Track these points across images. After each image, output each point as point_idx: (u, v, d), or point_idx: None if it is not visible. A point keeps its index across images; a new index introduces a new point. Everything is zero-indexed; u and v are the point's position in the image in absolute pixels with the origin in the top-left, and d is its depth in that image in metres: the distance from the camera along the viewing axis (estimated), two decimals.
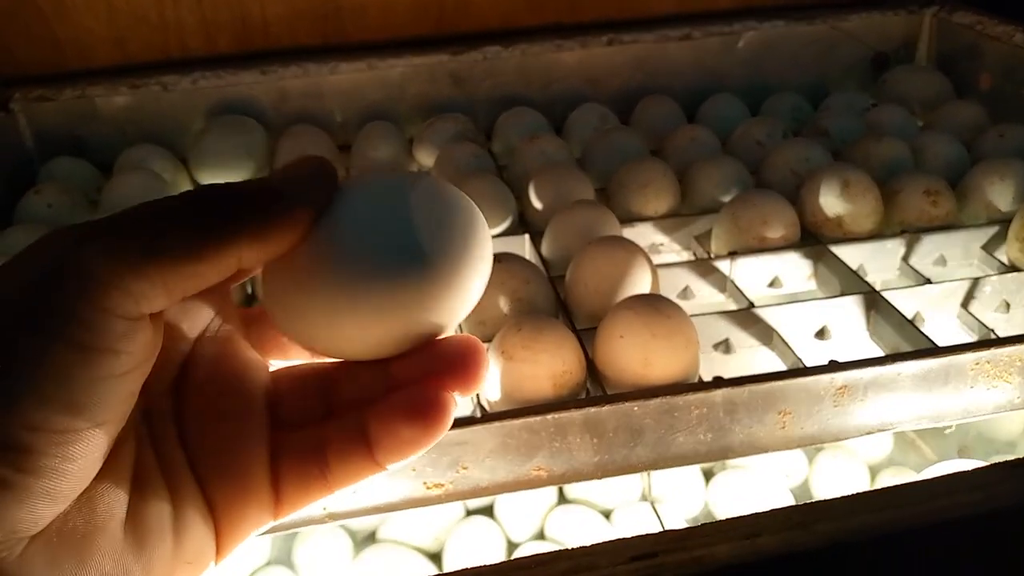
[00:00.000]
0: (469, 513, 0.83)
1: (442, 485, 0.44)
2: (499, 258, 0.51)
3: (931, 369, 0.46)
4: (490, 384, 0.46)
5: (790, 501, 0.78)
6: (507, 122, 0.75)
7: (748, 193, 0.60)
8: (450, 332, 0.25)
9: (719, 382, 0.45)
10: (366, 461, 0.24)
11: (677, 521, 0.77)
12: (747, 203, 0.59)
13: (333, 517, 0.44)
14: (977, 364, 0.47)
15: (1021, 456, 0.38)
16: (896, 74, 0.82)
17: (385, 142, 0.73)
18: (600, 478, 0.46)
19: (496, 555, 0.79)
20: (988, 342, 0.47)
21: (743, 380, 0.45)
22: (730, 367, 0.53)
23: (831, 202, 0.59)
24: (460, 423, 0.43)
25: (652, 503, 0.82)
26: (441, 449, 0.43)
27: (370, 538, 0.82)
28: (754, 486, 0.80)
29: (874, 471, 0.84)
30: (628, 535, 0.35)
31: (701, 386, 0.45)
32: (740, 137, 0.71)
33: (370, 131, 0.74)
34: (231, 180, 0.71)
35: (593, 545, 0.26)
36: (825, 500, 0.34)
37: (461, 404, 0.50)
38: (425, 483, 0.44)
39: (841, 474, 0.81)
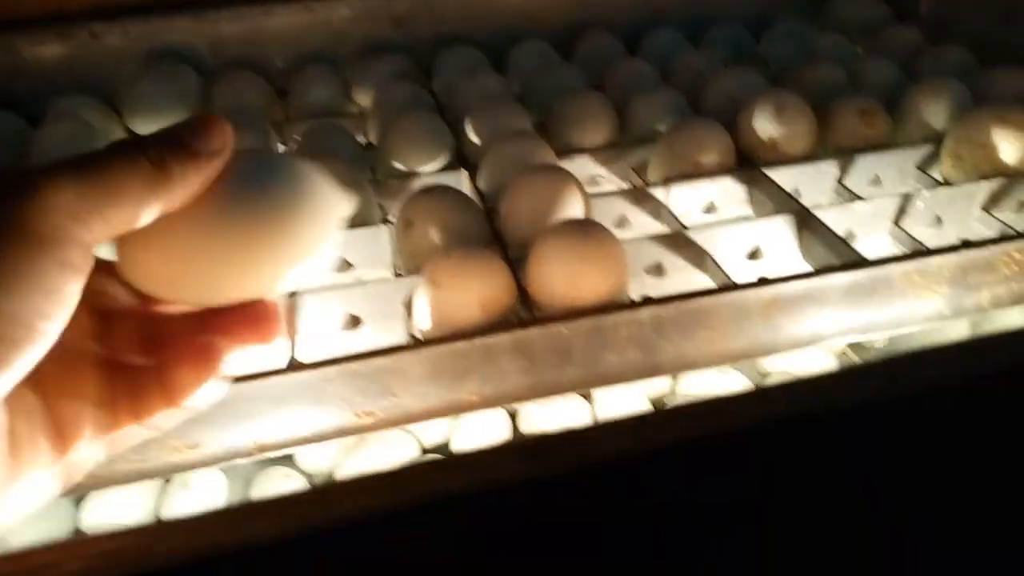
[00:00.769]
0: (425, 452, 0.83)
1: (373, 413, 0.44)
2: (429, 190, 0.51)
3: (859, 282, 0.47)
4: (420, 313, 0.46)
5: None
6: (446, 60, 0.74)
7: (683, 121, 0.60)
8: (276, 291, 0.27)
9: (647, 301, 0.45)
10: (159, 398, 0.26)
11: None
12: (682, 131, 0.59)
13: (262, 449, 0.44)
14: (905, 275, 0.47)
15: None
16: (837, 2, 0.81)
17: (321, 85, 0.72)
18: (532, 400, 0.46)
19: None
20: (916, 253, 0.48)
21: (671, 299, 0.45)
22: (663, 290, 0.53)
23: (765, 125, 0.59)
24: (389, 351, 0.43)
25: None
26: (370, 377, 0.43)
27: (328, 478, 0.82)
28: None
29: None
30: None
31: (629, 305, 0.45)
32: (680, 69, 0.71)
33: (306, 75, 0.72)
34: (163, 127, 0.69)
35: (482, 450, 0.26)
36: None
37: (392, 333, 0.50)
38: (355, 412, 0.44)
39: None
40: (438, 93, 0.72)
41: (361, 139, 0.68)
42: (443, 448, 0.79)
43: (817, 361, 0.80)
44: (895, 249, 0.55)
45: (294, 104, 0.72)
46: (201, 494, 0.70)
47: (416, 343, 0.43)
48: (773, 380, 0.84)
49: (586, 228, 0.46)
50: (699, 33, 0.80)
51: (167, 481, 0.76)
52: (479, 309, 0.45)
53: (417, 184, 0.56)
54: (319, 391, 0.43)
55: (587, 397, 0.72)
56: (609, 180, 0.64)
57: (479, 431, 0.75)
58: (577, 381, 0.46)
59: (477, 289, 0.44)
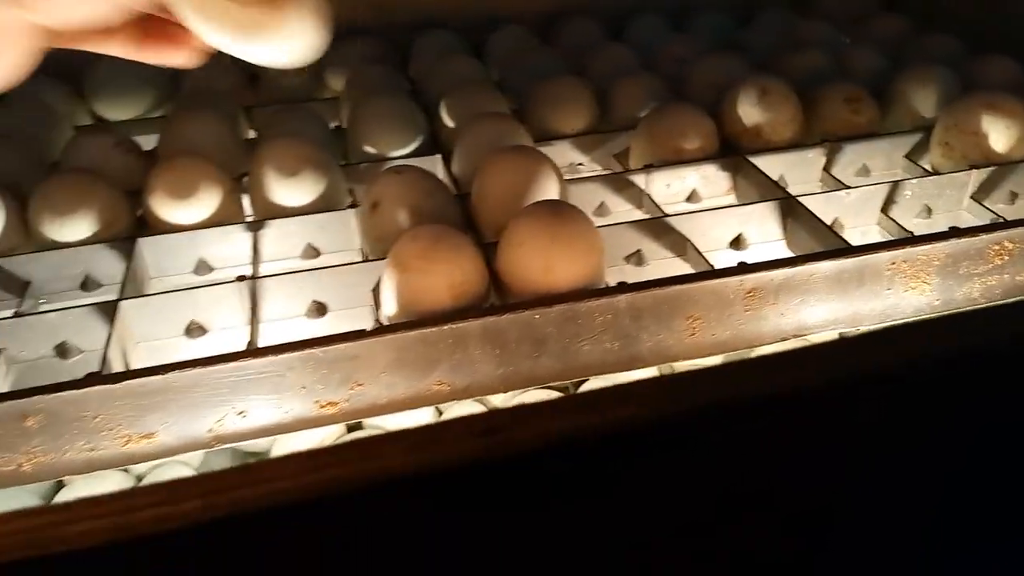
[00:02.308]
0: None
1: (336, 403, 0.42)
2: (398, 170, 0.49)
3: (845, 270, 0.45)
4: (386, 298, 0.43)
5: None
6: (423, 45, 0.72)
7: (664, 105, 0.58)
8: None
9: (623, 287, 0.43)
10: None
11: None
12: (663, 115, 0.57)
13: (220, 440, 0.42)
14: (893, 264, 0.46)
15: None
16: None
17: (293, 69, 0.69)
18: (505, 391, 0.44)
19: None
20: (903, 240, 0.46)
21: (647, 284, 0.43)
22: (643, 279, 0.51)
23: (749, 111, 0.57)
24: (351, 336, 0.40)
25: None
26: (332, 365, 0.41)
27: None
28: None
29: None
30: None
31: (604, 291, 0.43)
32: (663, 56, 0.69)
33: None
34: (129, 112, 0.66)
35: (441, 423, 0.24)
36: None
37: (359, 321, 0.47)
38: (318, 402, 0.42)
39: None
40: (414, 78, 0.70)
41: (334, 124, 0.65)
42: None
43: None
44: (883, 239, 0.53)
45: (265, 88, 0.70)
46: None
47: (380, 328, 0.41)
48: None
49: (560, 210, 0.44)
50: (683, 22, 0.78)
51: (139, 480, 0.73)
52: (448, 294, 0.42)
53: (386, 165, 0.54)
54: (278, 379, 0.40)
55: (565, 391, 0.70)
56: (589, 167, 0.62)
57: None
58: (552, 372, 0.44)
59: (446, 272, 0.42)
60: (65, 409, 0.38)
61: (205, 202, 0.51)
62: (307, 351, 0.40)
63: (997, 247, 0.47)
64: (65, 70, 0.71)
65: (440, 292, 0.42)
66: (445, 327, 0.41)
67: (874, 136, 0.58)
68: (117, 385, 0.39)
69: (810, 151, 0.57)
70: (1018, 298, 0.49)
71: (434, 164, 0.58)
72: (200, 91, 0.66)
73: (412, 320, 0.41)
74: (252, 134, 0.66)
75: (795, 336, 0.46)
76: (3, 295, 0.50)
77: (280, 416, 0.42)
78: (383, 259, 0.47)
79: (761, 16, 0.77)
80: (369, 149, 0.58)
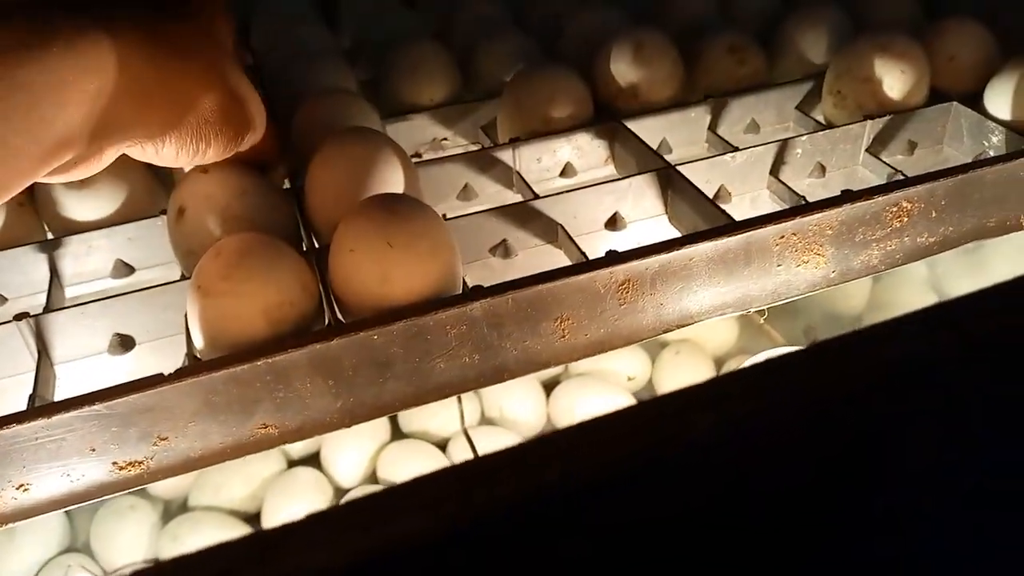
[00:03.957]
0: (291, 464, 0.74)
1: (141, 463, 0.35)
2: (205, 168, 0.41)
3: (729, 248, 0.39)
4: (193, 328, 0.36)
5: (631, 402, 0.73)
6: (266, 8, 0.63)
7: (529, 69, 0.51)
8: None
9: (476, 292, 0.37)
10: None
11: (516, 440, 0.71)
12: (529, 81, 0.50)
13: (3, 520, 0.34)
14: (782, 237, 0.40)
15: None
16: None
17: None
18: (349, 425, 0.38)
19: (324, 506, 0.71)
20: (791, 211, 0.40)
21: (503, 287, 0.37)
22: (512, 273, 0.44)
23: (623, 70, 0.51)
24: (139, 385, 0.33)
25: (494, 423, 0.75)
26: (124, 420, 0.33)
27: (182, 507, 0.72)
28: (596, 392, 0.74)
29: (719, 362, 0.80)
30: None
31: (454, 300, 0.36)
32: (533, 10, 0.62)
33: None
34: None
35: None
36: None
37: (175, 353, 0.40)
38: (116, 463, 0.35)
39: (685, 369, 0.76)
40: (256, 49, 0.61)
41: None
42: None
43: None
44: (774, 206, 0.48)
45: None
46: None
47: (177, 373, 0.34)
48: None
49: (395, 206, 0.37)
50: None
51: None
52: (263, 319, 0.35)
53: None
54: (57, 444, 0.33)
55: None
56: (455, 143, 0.55)
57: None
58: (404, 397, 0.38)
59: (257, 293, 0.35)
60: None
61: None
62: (87, 408, 0.33)
63: (895, 208, 0.42)
64: None
65: (252, 318, 0.35)
66: (259, 363, 0.34)
67: (761, 88, 0.53)
68: None
69: (692, 110, 0.52)
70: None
71: None
72: None
73: (218, 358, 0.34)
74: None
75: (679, 327, 0.41)
76: None
77: (71, 485, 0.34)
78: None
79: None
80: None
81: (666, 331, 0.41)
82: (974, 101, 0.50)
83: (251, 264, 0.35)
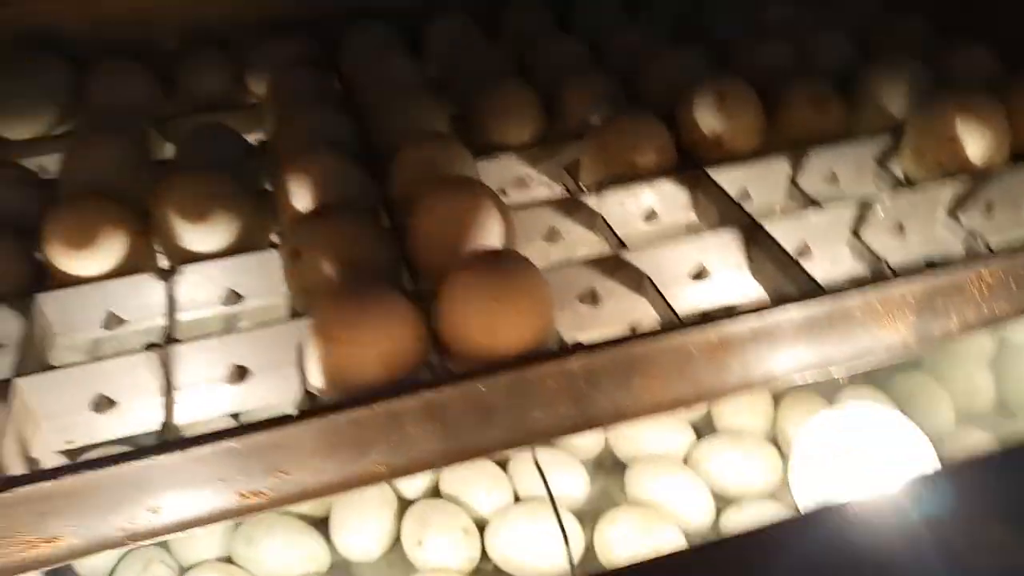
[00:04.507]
0: None
1: (261, 493, 0.38)
2: (322, 212, 0.44)
3: (814, 316, 0.41)
4: (312, 368, 0.39)
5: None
6: (354, 40, 0.65)
7: (616, 116, 0.53)
8: None
9: (576, 348, 0.39)
10: None
11: None
12: (614, 127, 0.52)
13: (134, 538, 0.37)
14: (866, 305, 0.42)
15: None
16: None
17: (213, 73, 0.63)
18: (447, 465, 0.40)
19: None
20: (877, 280, 0.42)
21: (603, 345, 0.39)
22: (598, 319, 0.47)
23: (706, 119, 0.52)
24: (270, 424, 0.36)
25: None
26: (252, 455, 0.36)
27: None
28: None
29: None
30: None
31: (555, 355, 0.39)
32: (614, 47, 0.64)
33: (195, 61, 0.63)
34: (28, 130, 0.59)
35: None
36: None
37: (285, 384, 0.43)
38: (240, 492, 0.38)
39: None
40: (346, 77, 0.63)
41: (256, 137, 0.60)
42: None
43: None
44: (853, 263, 0.49)
45: (183, 96, 0.63)
46: None
47: (303, 414, 0.36)
48: None
49: (500, 264, 0.39)
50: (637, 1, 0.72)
51: None
52: (379, 364, 0.38)
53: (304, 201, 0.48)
54: (191, 474, 0.36)
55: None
56: (539, 182, 0.57)
57: None
58: (500, 442, 0.40)
59: (375, 342, 0.38)
60: None
61: (110, 249, 0.46)
62: (223, 444, 0.36)
63: (977, 280, 0.43)
64: None
65: (370, 364, 0.38)
66: (378, 407, 0.37)
67: (841, 142, 0.54)
68: (7, 494, 0.34)
69: (773, 160, 0.53)
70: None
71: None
72: (106, 106, 0.59)
73: (340, 401, 0.37)
74: (170, 151, 0.60)
75: (760, 386, 0.43)
76: None
77: (198, 510, 0.38)
78: (308, 314, 0.42)
79: None
80: None
81: (748, 389, 0.43)
82: None
83: (370, 315, 0.38)
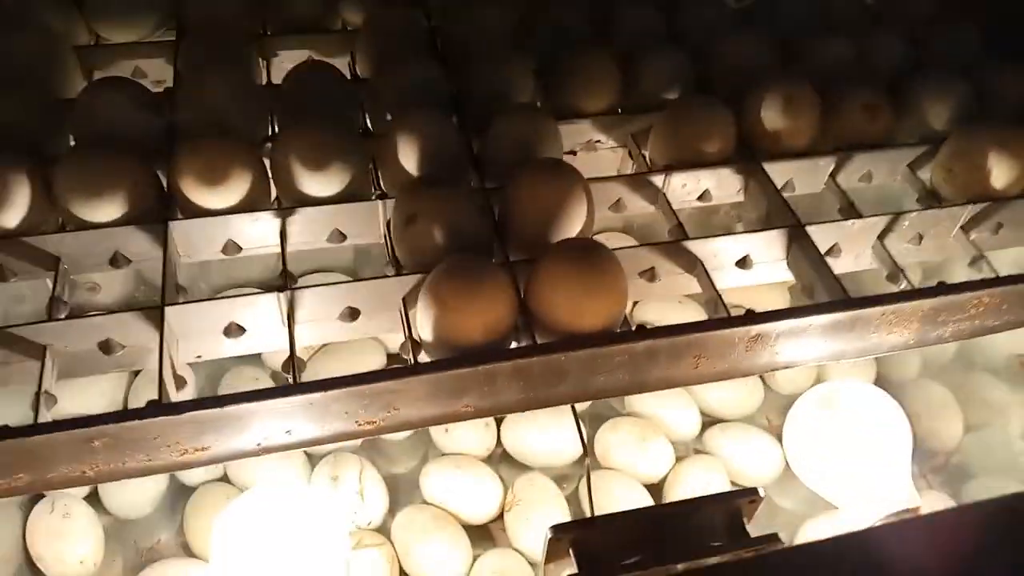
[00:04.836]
0: None
1: (373, 422, 0.46)
2: (433, 184, 0.50)
3: (840, 320, 0.49)
4: (423, 324, 0.46)
5: None
6: None
7: (688, 102, 0.59)
8: None
9: (643, 332, 0.47)
10: None
11: None
12: (686, 115, 0.58)
13: (266, 451, 0.46)
14: (883, 315, 0.50)
15: None
16: None
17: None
18: (521, 411, 0.49)
19: None
20: (896, 296, 0.50)
21: (666, 330, 0.47)
22: (654, 292, 0.54)
23: (772, 118, 0.58)
24: (393, 373, 0.44)
25: None
26: (373, 396, 0.44)
27: None
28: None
29: None
30: None
31: (627, 336, 0.47)
32: (689, 23, 0.68)
33: None
34: (132, 33, 0.62)
35: None
36: None
37: (388, 324, 0.50)
38: (357, 421, 0.46)
39: None
40: (435, 21, 0.67)
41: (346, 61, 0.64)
42: None
43: None
44: (874, 263, 0.57)
45: (275, 13, 0.66)
46: None
47: (419, 367, 0.44)
48: None
49: (590, 258, 0.46)
50: None
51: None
52: (481, 331, 0.46)
53: (414, 165, 0.53)
54: (324, 408, 0.44)
55: None
56: (606, 145, 0.63)
57: None
58: (565, 396, 0.49)
59: (481, 313, 0.45)
60: (129, 433, 0.42)
61: (234, 186, 0.51)
62: (354, 388, 0.44)
63: (976, 301, 0.51)
64: None
65: (474, 329, 0.45)
66: (480, 368, 0.45)
67: (883, 147, 0.60)
68: (179, 416, 0.42)
69: (821, 159, 0.59)
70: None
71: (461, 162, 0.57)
72: (207, 22, 0.62)
73: (450, 360, 0.45)
74: (263, 73, 0.64)
75: (782, 368, 0.52)
76: (35, 269, 0.51)
77: (320, 432, 0.46)
78: (416, 273, 0.49)
79: None
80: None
81: (773, 370, 0.51)
82: None
83: (479, 288, 0.45)
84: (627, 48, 0.64)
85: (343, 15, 0.67)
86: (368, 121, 0.60)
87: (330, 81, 0.58)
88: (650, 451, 0.80)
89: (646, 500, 0.75)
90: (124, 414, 0.41)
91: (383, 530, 0.75)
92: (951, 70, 0.63)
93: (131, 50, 0.64)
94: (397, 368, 0.44)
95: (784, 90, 0.58)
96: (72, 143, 0.55)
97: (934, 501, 0.77)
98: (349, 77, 0.63)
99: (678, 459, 0.80)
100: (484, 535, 0.76)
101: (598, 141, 0.62)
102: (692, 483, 0.77)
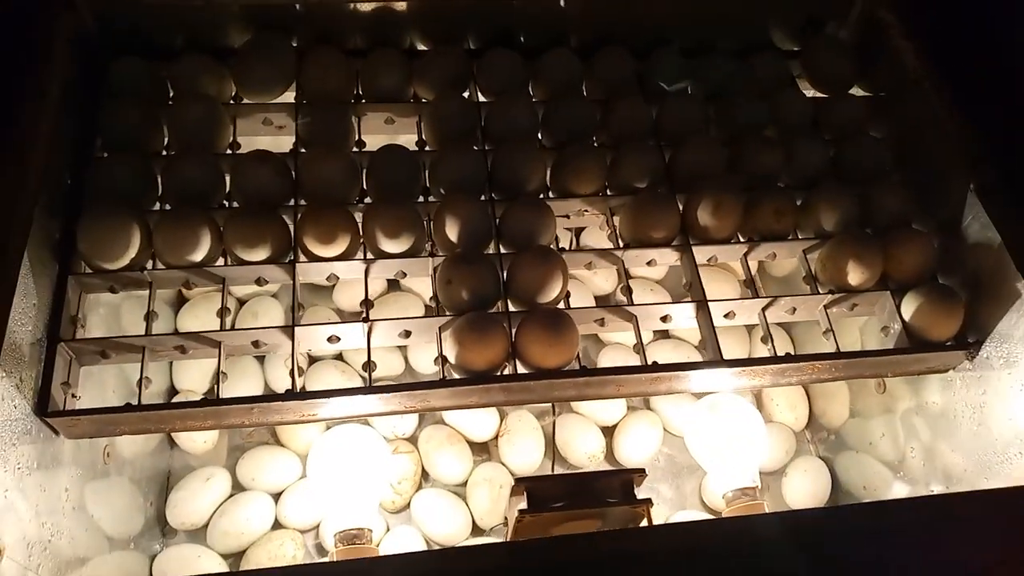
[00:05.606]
0: None
1: (413, 406, 0.77)
2: (465, 259, 0.77)
3: (715, 372, 0.78)
4: (448, 350, 0.75)
5: None
6: (490, 63, 0.92)
7: (648, 196, 0.84)
8: None
9: (584, 371, 0.76)
10: None
11: None
12: (650, 203, 0.83)
13: (346, 420, 0.77)
14: (743, 371, 0.78)
15: None
16: (813, 45, 0.98)
17: (392, 70, 0.90)
18: (503, 406, 0.79)
19: None
20: (754, 360, 0.78)
21: (599, 371, 0.76)
22: (602, 332, 0.83)
23: (704, 216, 0.83)
24: (432, 385, 0.74)
25: None
26: (416, 395, 0.74)
27: None
28: None
29: None
30: None
31: (573, 373, 0.75)
32: (668, 115, 0.91)
33: (376, 57, 0.90)
34: (266, 95, 0.88)
35: None
36: None
37: (429, 346, 0.80)
38: (404, 406, 0.76)
39: None
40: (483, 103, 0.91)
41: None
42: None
43: None
44: (752, 320, 0.84)
45: (367, 84, 0.91)
46: None
47: (445, 381, 0.74)
48: None
49: (556, 322, 0.74)
50: (697, 55, 0.96)
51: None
52: (484, 364, 0.75)
53: (456, 235, 0.80)
54: (387, 400, 0.74)
55: None
56: (589, 219, 0.89)
57: None
58: (536, 399, 0.78)
59: (485, 352, 0.74)
60: (277, 408, 0.73)
61: (339, 243, 0.79)
62: (405, 393, 0.74)
63: (810, 367, 0.79)
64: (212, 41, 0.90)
65: (481, 363, 0.74)
66: (480, 385, 0.74)
67: (783, 240, 0.86)
68: (303, 402, 0.73)
69: (737, 246, 0.85)
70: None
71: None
72: (316, 91, 0.88)
73: (465, 379, 0.74)
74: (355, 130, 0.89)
75: (679, 392, 0.80)
76: (206, 283, 0.80)
77: (382, 408, 0.77)
78: (449, 314, 0.78)
79: (758, 56, 0.96)
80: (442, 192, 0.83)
81: (670, 394, 0.80)
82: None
83: (484, 338, 0.74)
84: (615, 142, 0.88)
85: (415, 88, 0.92)
86: (428, 181, 0.86)
87: (406, 160, 0.84)
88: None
89: (600, 441, 1.06)
90: (273, 397, 0.72)
91: (412, 439, 1.07)
92: (850, 182, 0.87)
93: (263, 107, 0.89)
94: (430, 381, 0.74)
95: (715, 197, 0.83)
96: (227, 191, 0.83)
97: (819, 466, 1.07)
98: (416, 139, 0.89)
99: (630, 409, 1.11)
100: (483, 450, 1.08)
101: (586, 211, 0.88)
102: (635, 432, 1.08)
